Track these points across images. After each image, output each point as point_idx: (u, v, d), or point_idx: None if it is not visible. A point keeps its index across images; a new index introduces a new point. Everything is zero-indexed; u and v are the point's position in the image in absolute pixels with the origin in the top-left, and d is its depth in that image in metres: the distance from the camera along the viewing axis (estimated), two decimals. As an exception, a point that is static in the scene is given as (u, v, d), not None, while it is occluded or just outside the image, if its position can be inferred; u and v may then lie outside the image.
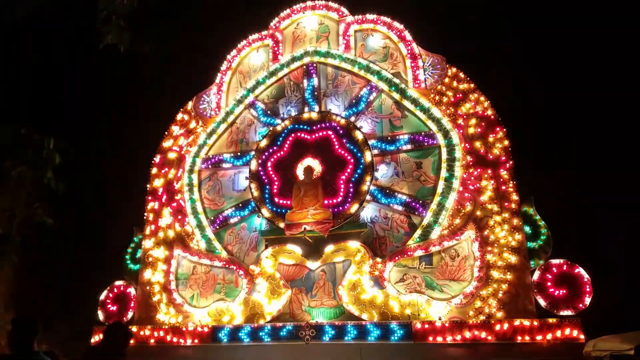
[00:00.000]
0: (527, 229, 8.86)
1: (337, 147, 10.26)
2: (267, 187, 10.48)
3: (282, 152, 10.64)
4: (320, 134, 10.49)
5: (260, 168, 10.66)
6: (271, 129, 10.98)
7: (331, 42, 11.51)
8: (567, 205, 10.89)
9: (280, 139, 10.75)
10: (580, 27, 12.95)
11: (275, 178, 10.53)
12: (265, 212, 10.27)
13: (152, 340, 10.04)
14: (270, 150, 10.73)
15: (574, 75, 12.59)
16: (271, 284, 9.81)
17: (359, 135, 10.11)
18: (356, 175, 9.91)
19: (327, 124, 10.50)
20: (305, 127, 10.66)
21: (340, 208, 9.84)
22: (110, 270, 11.97)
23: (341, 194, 9.94)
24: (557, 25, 13.11)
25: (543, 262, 8.58)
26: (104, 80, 15.32)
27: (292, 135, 10.70)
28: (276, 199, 10.35)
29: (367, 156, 9.90)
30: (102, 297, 11.07)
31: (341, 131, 10.31)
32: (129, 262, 11.48)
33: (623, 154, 11.96)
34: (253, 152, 10.94)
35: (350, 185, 9.91)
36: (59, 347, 13.06)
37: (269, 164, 10.64)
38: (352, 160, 10.05)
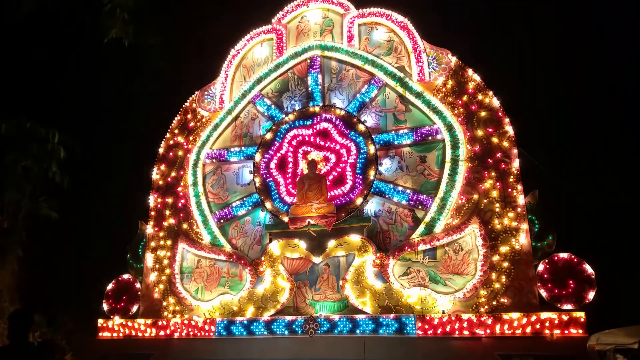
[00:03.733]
0: (530, 222, 8.84)
1: (337, 137, 10.38)
2: (274, 189, 10.51)
3: (282, 151, 10.73)
4: (319, 127, 10.57)
5: (264, 173, 10.71)
6: (271, 127, 11.02)
7: (335, 36, 11.49)
8: (572, 199, 10.88)
9: (280, 137, 10.81)
10: (587, 21, 12.90)
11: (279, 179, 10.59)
12: (270, 206, 10.32)
13: (156, 334, 10.09)
14: (272, 151, 10.78)
15: (581, 71, 12.57)
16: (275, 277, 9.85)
17: (360, 127, 10.18)
18: (360, 164, 9.98)
19: (325, 117, 10.56)
20: (304, 122, 10.71)
21: (350, 197, 9.87)
22: (114, 264, 12.03)
23: (349, 181, 10.00)
24: (563, 18, 13.07)
25: (547, 255, 8.58)
26: (108, 74, 15.34)
27: (292, 132, 10.76)
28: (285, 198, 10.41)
29: (371, 149, 9.95)
30: (106, 290, 11.12)
31: (339, 122, 10.36)
32: (133, 255, 11.52)
33: (628, 149, 11.95)
34: (257, 149, 10.96)
35: (358, 173, 9.96)
36: (64, 340, 13.15)
37: (272, 164, 10.70)
38: (354, 148, 10.15)
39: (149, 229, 11.50)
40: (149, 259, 11.21)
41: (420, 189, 9.70)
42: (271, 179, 10.60)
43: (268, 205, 10.34)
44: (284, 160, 10.66)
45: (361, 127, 10.16)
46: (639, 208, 10.76)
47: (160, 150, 12.13)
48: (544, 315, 8.01)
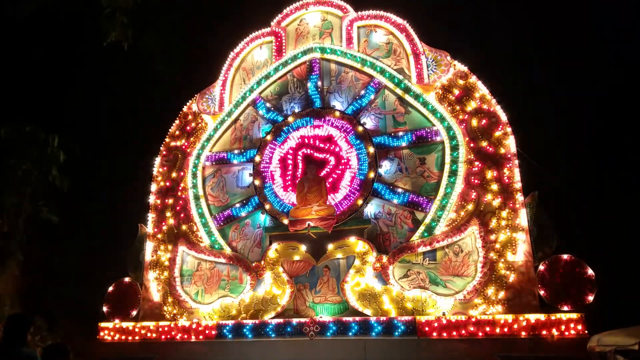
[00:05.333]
0: (530, 224, 8.84)
1: (338, 140, 10.42)
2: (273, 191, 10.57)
3: (282, 153, 10.76)
4: (319, 130, 10.59)
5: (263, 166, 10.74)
6: (274, 127, 11.03)
7: (334, 38, 11.51)
8: (571, 200, 10.88)
9: (283, 136, 10.83)
10: (588, 20, 12.91)
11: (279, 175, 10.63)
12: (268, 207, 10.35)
13: (156, 337, 10.08)
14: (270, 153, 10.82)
15: (581, 70, 12.58)
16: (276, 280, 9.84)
17: (359, 129, 10.20)
18: (361, 174, 9.96)
19: (325, 119, 10.57)
20: (304, 124, 10.73)
21: (350, 200, 9.92)
22: (115, 267, 12.02)
23: (348, 183, 10.04)
24: (562, 18, 13.08)
25: (547, 257, 8.57)
26: (108, 77, 15.37)
27: (295, 131, 10.77)
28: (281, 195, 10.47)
29: (371, 151, 9.95)
30: (107, 293, 11.13)
31: (339, 124, 10.38)
32: (133, 258, 11.51)
33: (628, 148, 11.95)
34: (257, 149, 10.97)
35: (357, 176, 10.00)
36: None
37: (272, 166, 10.73)
38: (353, 151, 10.19)
39: (149, 231, 11.49)
40: (149, 262, 11.21)
41: (420, 191, 9.70)
42: (271, 181, 10.60)
43: (267, 206, 10.34)
44: (284, 162, 10.67)
45: (360, 129, 10.16)
46: (638, 209, 10.75)
47: (160, 153, 12.13)
48: (544, 316, 8.01)
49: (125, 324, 10.56)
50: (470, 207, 9.14)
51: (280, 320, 9.35)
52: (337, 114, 10.47)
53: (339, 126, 10.47)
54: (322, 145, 10.53)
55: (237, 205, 10.98)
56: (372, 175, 9.83)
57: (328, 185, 10.18)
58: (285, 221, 10.19)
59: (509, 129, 9.39)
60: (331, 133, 10.52)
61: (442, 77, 10.13)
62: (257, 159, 10.92)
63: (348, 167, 10.18)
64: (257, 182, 10.71)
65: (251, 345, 9.35)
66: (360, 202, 9.76)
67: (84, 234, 14.83)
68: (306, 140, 10.65)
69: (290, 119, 10.90)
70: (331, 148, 10.44)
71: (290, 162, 10.64)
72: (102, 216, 14.99)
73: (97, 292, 11.55)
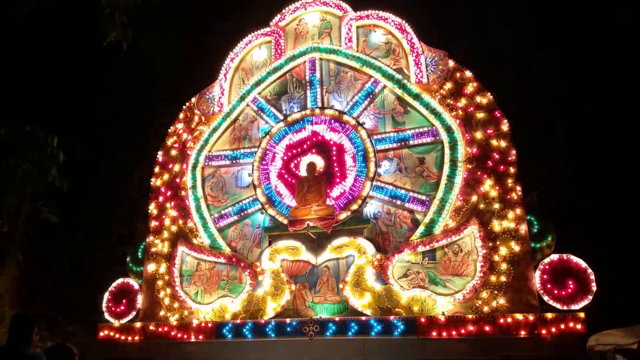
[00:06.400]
0: (530, 223, 8.84)
1: (334, 138, 10.43)
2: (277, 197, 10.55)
3: (279, 158, 10.77)
4: (313, 129, 10.64)
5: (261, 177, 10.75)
6: (264, 135, 11.06)
7: (333, 38, 11.50)
8: (571, 199, 10.88)
9: (275, 144, 10.85)
10: (588, 20, 12.91)
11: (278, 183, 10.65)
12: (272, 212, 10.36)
13: (156, 337, 10.07)
14: (267, 159, 10.82)
15: (580, 70, 12.58)
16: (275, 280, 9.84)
17: (351, 121, 10.27)
18: (360, 155, 10.01)
19: (319, 119, 10.62)
20: (296, 126, 10.76)
21: (349, 198, 9.90)
22: (114, 267, 12.04)
23: (348, 182, 10.04)
24: (562, 18, 13.08)
25: (546, 256, 8.57)
26: (108, 77, 15.39)
27: (286, 137, 10.80)
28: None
29: (363, 134, 10.06)
30: (106, 294, 11.12)
31: (334, 123, 10.42)
32: (133, 259, 11.53)
33: (628, 148, 11.95)
34: (256, 150, 10.97)
35: (357, 175, 9.99)
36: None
37: (272, 174, 10.73)
38: (351, 144, 10.20)
39: (149, 232, 11.50)
40: (149, 262, 11.21)
41: (419, 191, 9.69)
42: (272, 188, 10.58)
43: (272, 212, 10.30)
44: (283, 177, 10.62)
45: (359, 129, 10.16)
46: (638, 209, 10.75)
47: (160, 153, 12.15)
48: (544, 316, 7.99)
49: (125, 324, 10.56)
50: (469, 206, 9.14)
51: (280, 320, 9.35)
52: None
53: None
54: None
55: (236, 205, 10.98)
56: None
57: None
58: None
59: (508, 129, 9.38)
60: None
61: (441, 77, 10.12)
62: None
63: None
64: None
65: (251, 345, 9.34)
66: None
67: (84, 234, 14.84)
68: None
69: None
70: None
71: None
72: (102, 216, 15.00)
73: (97, 292, 11.54)
